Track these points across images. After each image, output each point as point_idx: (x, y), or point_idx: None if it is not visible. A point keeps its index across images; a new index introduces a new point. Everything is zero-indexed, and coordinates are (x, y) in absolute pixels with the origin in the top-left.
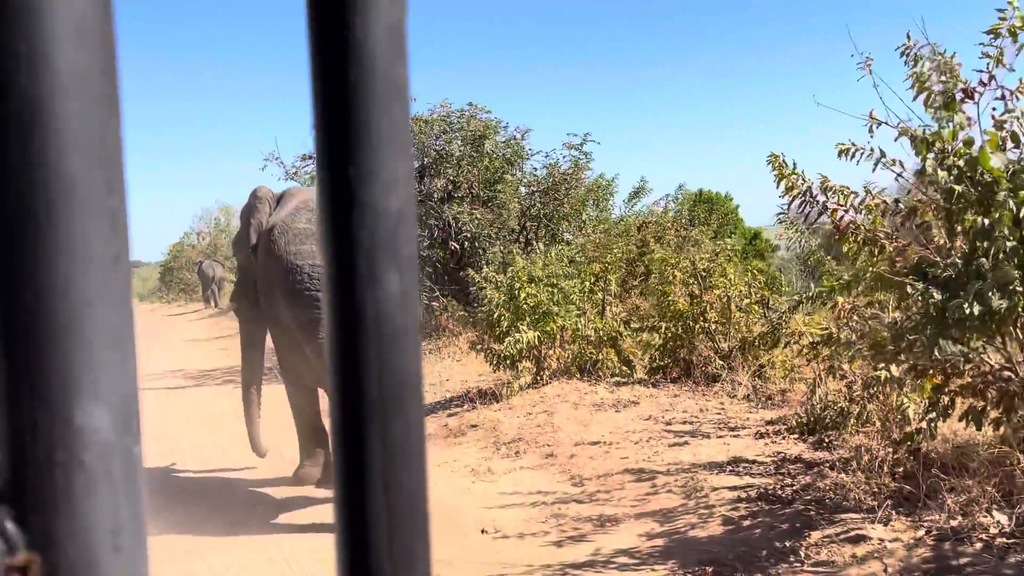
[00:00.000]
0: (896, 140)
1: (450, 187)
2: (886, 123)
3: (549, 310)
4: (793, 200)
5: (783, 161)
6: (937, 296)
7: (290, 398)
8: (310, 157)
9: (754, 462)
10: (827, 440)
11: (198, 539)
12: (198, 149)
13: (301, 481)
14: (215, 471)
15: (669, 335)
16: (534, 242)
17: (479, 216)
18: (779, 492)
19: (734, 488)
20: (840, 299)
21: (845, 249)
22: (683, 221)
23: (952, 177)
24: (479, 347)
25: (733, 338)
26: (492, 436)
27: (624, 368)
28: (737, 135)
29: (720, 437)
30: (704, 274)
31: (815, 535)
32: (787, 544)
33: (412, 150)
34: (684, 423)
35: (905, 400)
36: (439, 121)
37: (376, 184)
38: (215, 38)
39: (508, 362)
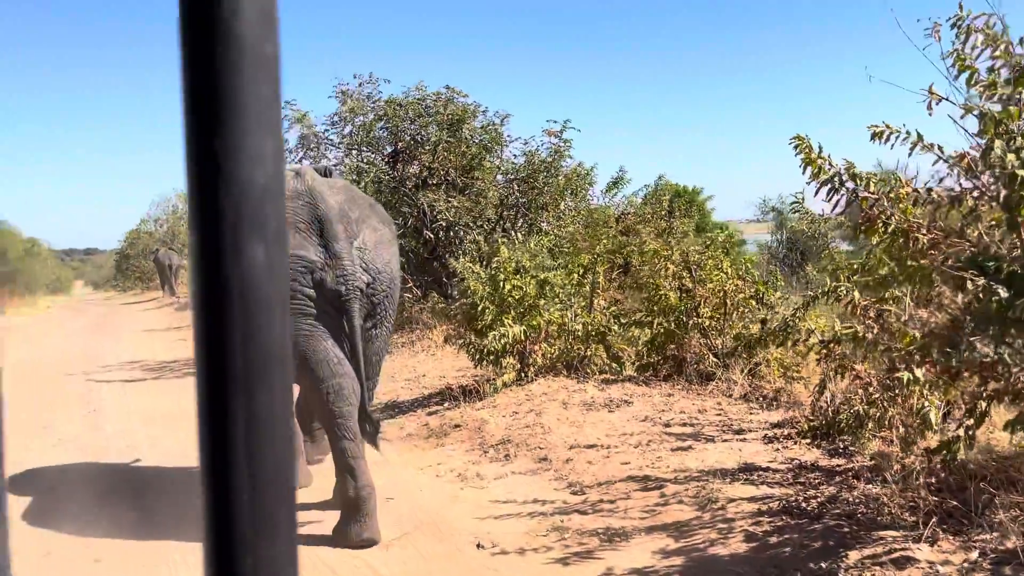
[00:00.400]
0: (962, 118)
1: (425, 173)
2: (947, 99)
3: (535, 303)
4: (821, 186)
5: (809, 144)
6: (1003, 293)
7: None
8: None
9: (768, 469)
10: (842, 445)
11: (162, 544)
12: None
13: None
14: (179, 470)
15: (661, 331)
16: (512, 232)
17: (456, 204)
18: (803, 505)
19: (752, 499)
20: (856, 295)
21: (875, 241)
22: (663, 213)
23: (1020, 161)
24: (460, 341)
25: (727, 334)
26: (478, 437)
27: (614, 365)
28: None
29: (726, 441)
30: (697, 267)
31: (853, 555)
32: (822, 565)
33: (282, 126)
34: (684, 425)
35: (925, 404)
36: (414, 104)
37: (242, 158)
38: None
39: (492, 358)
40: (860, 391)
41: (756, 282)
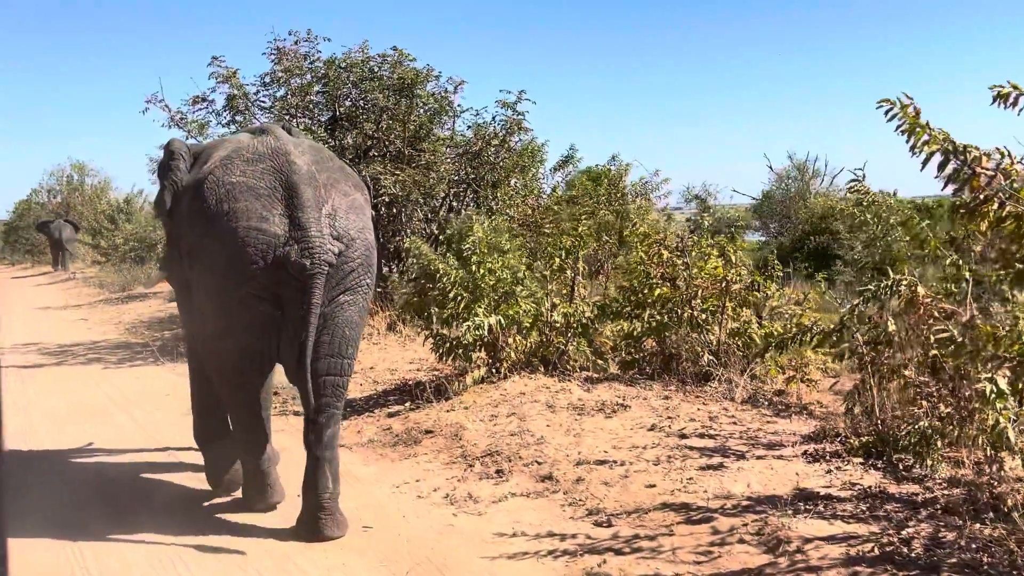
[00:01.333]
0: None
1: (370, 143)
2: None
3: (512, 290)
4: (929, 158)
5: (914, 108)
6: None
7: (199, 384)
8: (203, 100)
9: (831, 498)
10: (902, 466)
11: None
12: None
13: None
14: (91, 473)
15: (653, 324)
16: (461, 211)
17: (404, 177)
18: (903, 549)
19: (833, 539)
20: (921, 291)
21: (984, 227)
22: (619, 195)
23: None
24: (416, 330)
25: (724, 329)
26: (456, 446)
27: (599, 362)
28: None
29: (760, 458)
30: (688, 252)
31: None
32: None
33: None
34: (701, 436)
35: (1000, 420)
36: (358, 66)
37: None
38: None
39: (461, 352)
40: (923, 403)
41: (752, 272)
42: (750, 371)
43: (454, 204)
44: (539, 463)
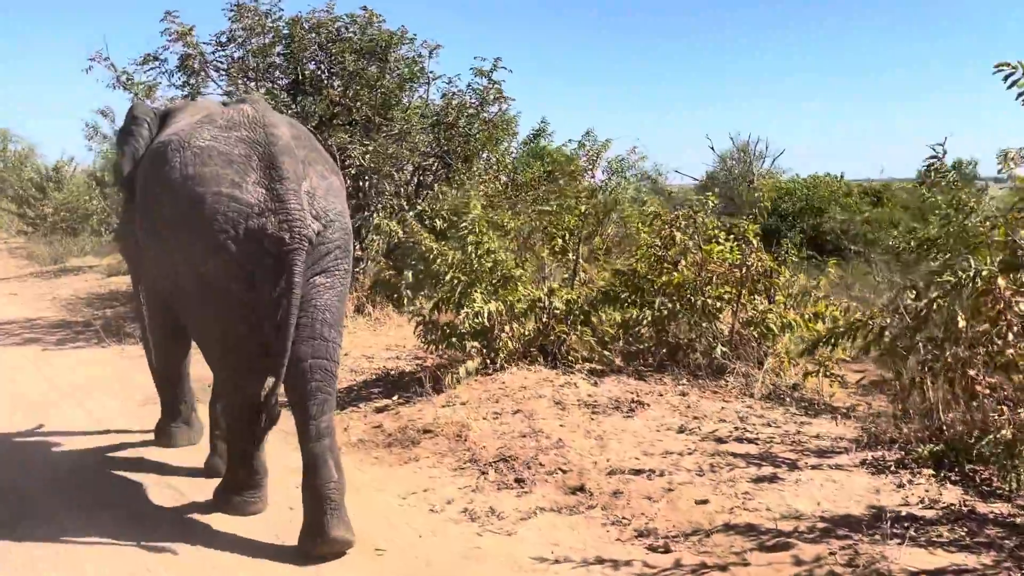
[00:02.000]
0: None
1: (337, 109)
2: None
3: (511, 274)
4: None
5: None
6: None
7: (159, 364)
8: (155, 58)
9: (916, 519)
10: (980, 479)
11: None
12: None
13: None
14: (44, 470)
15: (664, 312)
16: (434, 186)
17: (377, 147)
18: None
19: (942, 574)
20: (1001, 282)
21: None
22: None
23: None
24: (412, 315)
25: (739, 318)
26: (463, 449)
27: (604, 353)
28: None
29: (816, 468)
30: (699, 235)
31: None
32: None
33: None
34: (740, 440)
35: None
36: (325, 26)
37: None
38: None
39: (455, 340)
40: (1002, 408)
41: (770, 261)
42: (767, 364)
43: (422, 179)
44: (564, 471)
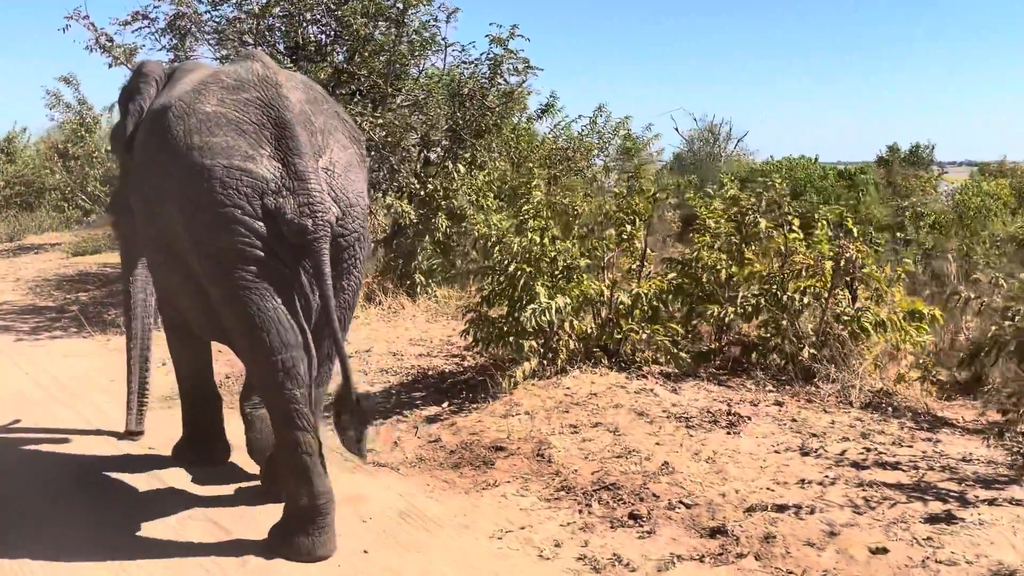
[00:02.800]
0: None
1: (340, 78)
2: None
3: (576, 264)
4: None
5: None
6: None
7: (172, 352)
8: (144, 16)
9: None
10: None
11: None
12: None
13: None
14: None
15: (748, 309)
16: (447, 163)
17: (394, 121)
18: None
19: None
20: None
21: None
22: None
23: None
24: (466, 309)
25: (828, 314)
26: (549, 472)
27: (682, 356)
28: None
29: (991, 503)
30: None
31: None
32: None
33: None
34: (879, 464)
35: None
36: None
37: None
38: None
39: (512, 339)
40: None
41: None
42: (863, 368)
43: (430, 156)
44: (687, 505)
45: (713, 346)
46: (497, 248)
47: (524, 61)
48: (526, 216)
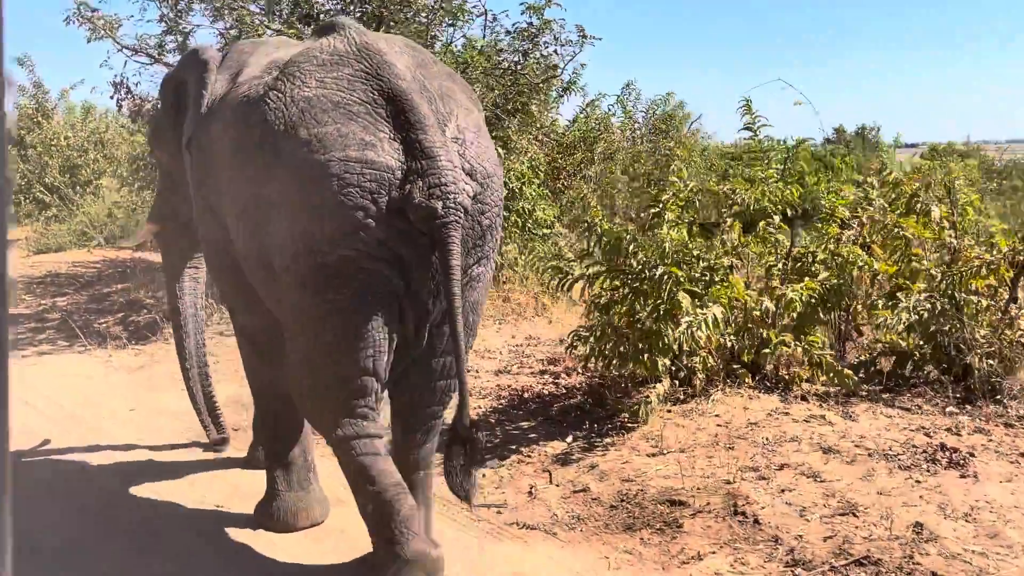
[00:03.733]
0: None
1: None
2: None
3: (719, 264)
4: None
5: None
6: None
7: (253, 391)
8: None
9: None
10: None
11: None
12: None
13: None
14: None
15: (923, 316)
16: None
17: None
18: None
19: None
20: None
21: None
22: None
23: None
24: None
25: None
26: (763, 538)
27: (848, 374)
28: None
29: None
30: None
31: None
32: None
33: None
34: None
35: None
36: None
37: None
38: None
39: (645, 357)
40: None
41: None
42: None
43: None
44: None
45: (863, 357)
46: (631, 247)
47: (579, 29)
48: (665, 207)
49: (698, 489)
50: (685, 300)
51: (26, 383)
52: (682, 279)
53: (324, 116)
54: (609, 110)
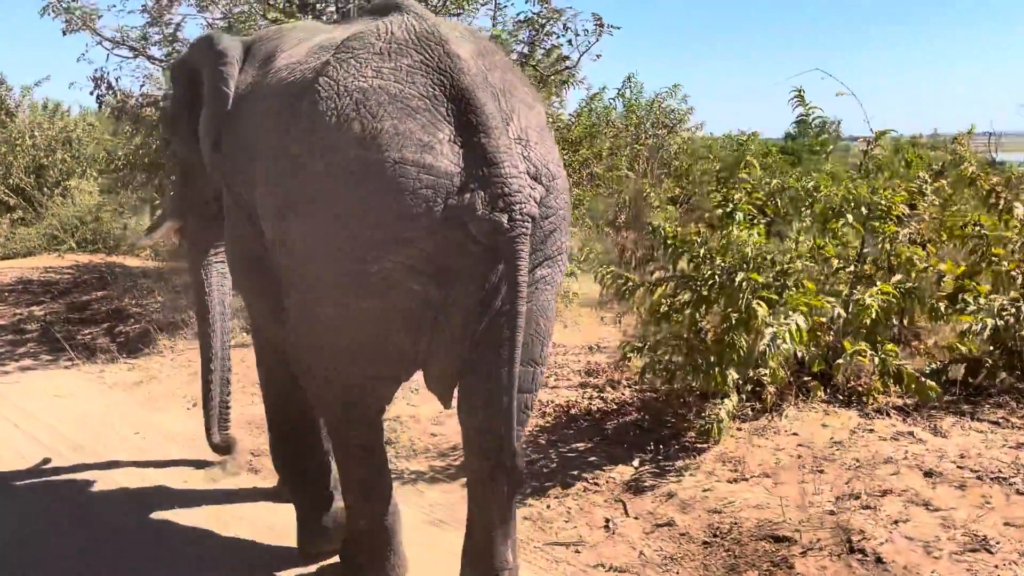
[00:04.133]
0: None
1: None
2: None
3: (793, 269)
4: None
5: None
6: None
7: (270, 408)
8: None
9: None
10: None
11: None
12: None
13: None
14: None
15: (1009, 319)
16: None
17: None
18: None
19: None
20: None
21: None
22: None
23: None
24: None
25: None
26: None
27: (930, 384)
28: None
29: None
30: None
31: None
32: None
33: None
34: None
35: None
36: None
37: None
38: None
39: (716, 371)
40: None
41: None
42: None
43: None
44: None
45: (933, 365)
46: (703, 251)
47: (595, 18)
48: (737, 206)
49: (801, 522)
50: (761, 308)
51: (15, 404)
52: (759, 286)
53: (380, 110)
54: (610, 103)
